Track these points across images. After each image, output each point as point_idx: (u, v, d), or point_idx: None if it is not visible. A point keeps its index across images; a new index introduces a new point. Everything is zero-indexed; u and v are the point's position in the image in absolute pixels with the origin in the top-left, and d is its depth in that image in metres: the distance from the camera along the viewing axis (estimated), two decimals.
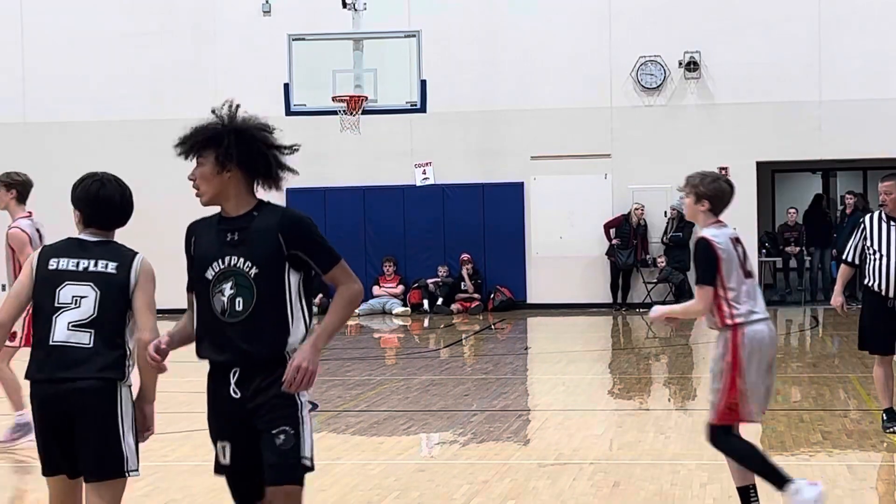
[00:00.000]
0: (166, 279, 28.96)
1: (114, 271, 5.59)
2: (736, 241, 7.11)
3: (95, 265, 5.55)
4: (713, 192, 7.22)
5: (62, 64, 25.63)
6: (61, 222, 29.71)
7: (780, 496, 6.94)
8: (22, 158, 25.80)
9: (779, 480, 6.85)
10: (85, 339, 5.42)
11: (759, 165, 24.71)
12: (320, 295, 25.05)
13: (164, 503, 8.18)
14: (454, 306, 24.48)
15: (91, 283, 5.50)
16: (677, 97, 24.57)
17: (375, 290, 24.89)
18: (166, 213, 25.89)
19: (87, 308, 5.45)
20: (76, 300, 5.46)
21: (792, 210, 25.80)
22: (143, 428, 5.65)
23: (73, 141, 25.62)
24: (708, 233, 7.05)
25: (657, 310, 7.24)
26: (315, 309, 22.73)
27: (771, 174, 28.58)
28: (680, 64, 24.46)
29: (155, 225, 25.98)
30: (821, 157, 24.72)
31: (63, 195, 26.28)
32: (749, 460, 6.93)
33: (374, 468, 9.16)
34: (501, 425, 11.01)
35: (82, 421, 5.35)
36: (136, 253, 5.71)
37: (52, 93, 25.71)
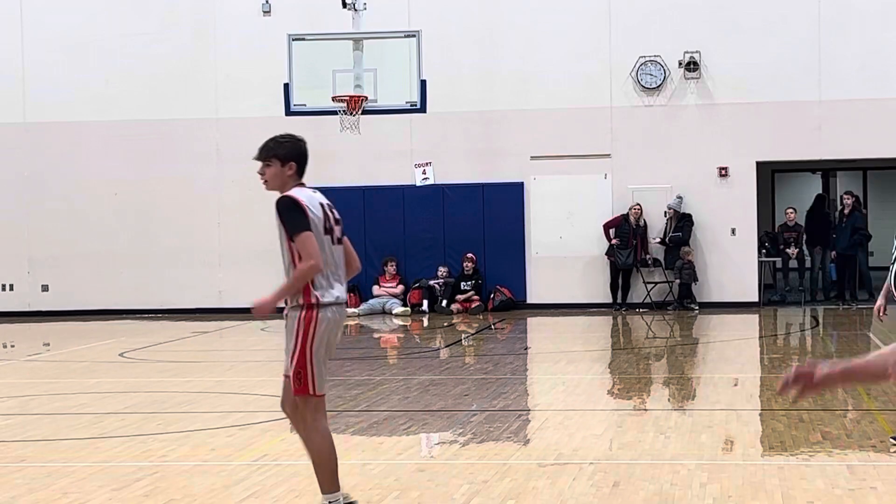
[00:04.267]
0: (164, 278, 29.09)
1: None
2: None
3: None
4: None
5: (62, 64, 25.63)
6: (61, 221, 29.76)
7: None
8: (22, 158, 25.89)
9: None
10: None
11: (759, 165, 24.70)
12: None
13: (163, 503, 8.17)
14: (454, 306, 24.48)
15: None
16: (677, 97, 24.57)
17: (375, 290, 24.89)
18: (165, 212, 25.90)
19: None
20: None
21: (790, 210, 25.79)
22: None
23: (73, 141, 25.62)
24: None
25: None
26: None
27: (771, 174, 28.58)
28: (680, 64, 24.46)
29: (154, 224, 26.01)
30: (821, 157, 24.72)
31: (63, 194, 26.51)
32: None
33: (374, 468, 9.16)
34: (501, 425, 11.01)
35: None
36: None
37: (52, 93, 25.70)
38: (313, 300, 7.02)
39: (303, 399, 7.14)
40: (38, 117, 25.79)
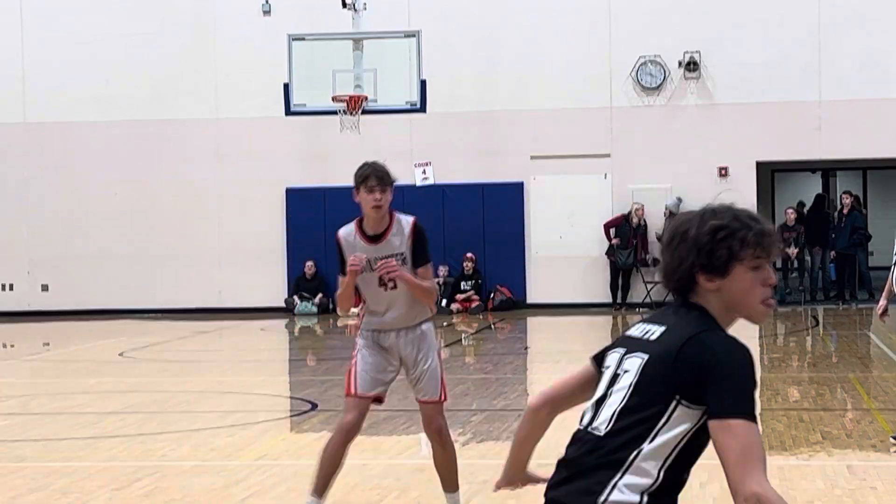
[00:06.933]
0: (164, 278, 29.03)
1: None
2: None
3: None
4: None
5: (62, 64, 25.63)
6: (61, 221, 29.68)
7: None
8: (22, 158, 25.89)
9: None
10: None
11: (759, 165, 24.70)
12: (320, 294, 25.08)
13: (163, 503, 8.17)
14: (454, 306, 24.48)
15: None
16: (677, 97, 24.57)
17: None
18: (165, 212, 25.90)
19: None
20: None
21: (790, 210, 25.78)
22: None
23: (73, 141, 25.62)
24: None
25: None
26: (315, 308, 22.79)
27: (771, 174, 28.57)
28: (680, 64, 24.46)
29: (153, 224, 26.01)
30: (821, 157, 24.72)
31: (63, 195, 26.45)
32: None
33: (374, 468, 9.15)
34: (501, 425, 11.01)
35: None
36: None
37: (52, 93, 25.70)
38: None
39: None
40: (38, 117, 25.79)
